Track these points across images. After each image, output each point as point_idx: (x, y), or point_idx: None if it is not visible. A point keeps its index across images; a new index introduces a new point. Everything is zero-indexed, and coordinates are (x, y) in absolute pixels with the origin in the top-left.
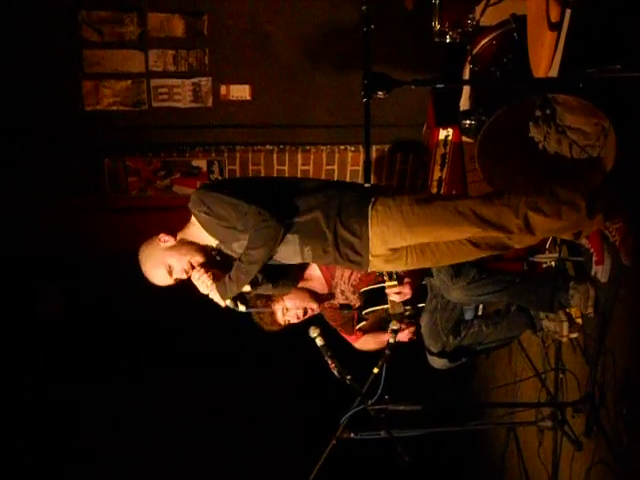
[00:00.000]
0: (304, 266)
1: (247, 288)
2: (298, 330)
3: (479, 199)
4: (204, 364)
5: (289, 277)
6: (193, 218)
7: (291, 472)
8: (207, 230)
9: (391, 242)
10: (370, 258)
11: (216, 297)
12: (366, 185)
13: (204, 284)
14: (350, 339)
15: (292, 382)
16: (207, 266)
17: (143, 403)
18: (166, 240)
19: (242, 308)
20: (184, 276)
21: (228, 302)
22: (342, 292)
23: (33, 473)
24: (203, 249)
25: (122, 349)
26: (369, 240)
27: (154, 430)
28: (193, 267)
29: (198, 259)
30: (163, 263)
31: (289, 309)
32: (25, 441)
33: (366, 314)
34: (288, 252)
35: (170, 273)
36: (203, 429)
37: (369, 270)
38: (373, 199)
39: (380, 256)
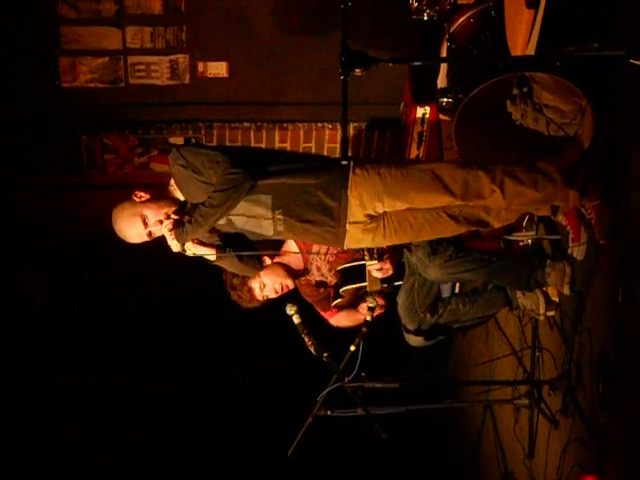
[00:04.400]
0: (279, 244)
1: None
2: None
3: (457, 164)
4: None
5: (256, 257)
6: (172, 180)
7: (291, 471)
8: (182, 186)
9: (369, 206)
10: (347, 227)
11: (173, 243)
12: (343, 162)
13: (166, 228)
14: (326, 315)
15: (293, 379)
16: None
17: (142, 402)
18: (142, 196)
19: (190, 252)
20: (158, 227)
21: (179, 248)
22: (318, 268)
23: (33, 473)
24: (177, 201)
25: (117, 340)
26: (348, 204)
27: (153, 429)
28: (168, 217)
29: (173, 210)
30: (139, 214)
31: (266, 284)
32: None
33: (343, 291)
34: (259, 214)
35: (145, 225)
36: (202, 427)
37: (345, 245)
38: (352, 163)
39: (358, 224)
